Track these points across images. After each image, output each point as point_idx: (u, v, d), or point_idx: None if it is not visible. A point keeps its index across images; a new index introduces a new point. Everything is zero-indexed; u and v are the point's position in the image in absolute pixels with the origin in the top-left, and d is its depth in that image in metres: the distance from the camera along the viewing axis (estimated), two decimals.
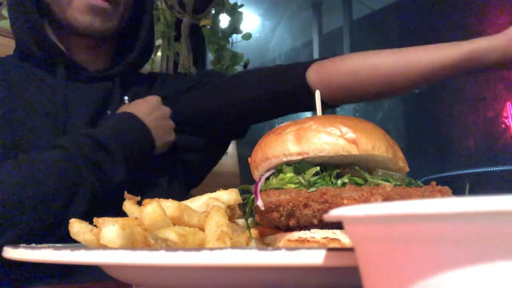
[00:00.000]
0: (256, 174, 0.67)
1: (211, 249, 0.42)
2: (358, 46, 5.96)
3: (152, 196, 0.65)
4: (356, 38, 5.97)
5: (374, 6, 5.88)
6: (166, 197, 0.65)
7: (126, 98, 1.31)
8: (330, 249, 0.41)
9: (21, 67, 1.23)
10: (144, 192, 1.17)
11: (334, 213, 0.30)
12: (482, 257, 0.23)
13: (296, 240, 0.56)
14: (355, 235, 0.31)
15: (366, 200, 0.55)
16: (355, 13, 6.04)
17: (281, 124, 0.65)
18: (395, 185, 0.58)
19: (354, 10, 6.02)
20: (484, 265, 0.23)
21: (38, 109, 1.16)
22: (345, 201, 0.55)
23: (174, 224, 0.60)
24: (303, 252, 0.40)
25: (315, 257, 0.40)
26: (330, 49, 6.18)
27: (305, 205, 0.56)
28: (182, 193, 1.35)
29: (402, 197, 0.55)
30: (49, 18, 1.25)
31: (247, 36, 2.78)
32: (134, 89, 1.35)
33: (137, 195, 0.69)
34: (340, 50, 5.95)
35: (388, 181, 0.60)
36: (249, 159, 0.68)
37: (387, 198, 0.55)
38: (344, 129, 0.59)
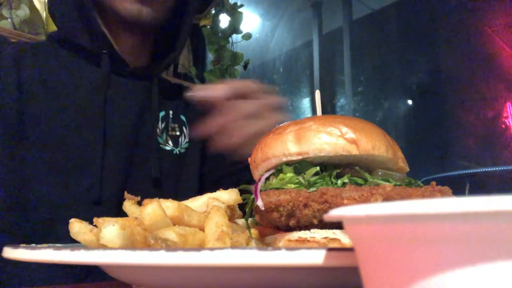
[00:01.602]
0: (256, 174, 0.67)
1: (211, 249, 0.42)
2: (358, 46, 5.96)
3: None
4: (356, 38, 5.96)
5: (374, 6, 5.88)
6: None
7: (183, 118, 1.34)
8: (330, 249, 0.40)
9: (58, 54, 1.20)
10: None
11: (334, 213, 0.30)
12: (482, 257, 0.23)
13: (296, 240, 0.56)
14: (355, 235, 0.31)
15: (366, 200, 0.55)
16: (355, 13, 6.04)
17: (281, 124, 0.65)
18: (395, 185, 0.58)
19: (354, 10, 6.02)
20: (484, 265, 0.23)
21: (74, 104, 1.13)
22: (345, 201, 0.55)
23: (174, 224, 0.60)
24: (303, 252, 0.40)
25: (315, 257, 0.40)
26: (330, 49, 6.18)
27: (305, 205, 0.56)
28: None
29: (402, 197, 0.55)
30: (97, 8, 1.21)
31: (247, 36, 2.78)
32: (173, 98, 1.35)
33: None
34: (340, 50, 5.95)
35: (388, 181, 0.59)
36: (249, 159, 0.68)
37: (387, 198, 0.55)
38: (344, 129, 0.59)
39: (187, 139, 1.33)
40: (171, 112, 1.31)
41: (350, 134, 0.59)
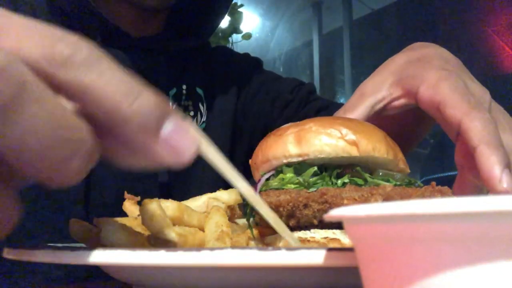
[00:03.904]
0: (256, 176, 0.67)
1: (211, 249, 0.42)
2: (358, 46, 5.96)
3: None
4: (356, 38, 5.96)
5: (374, 6, 5.88)
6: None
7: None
8: (330, 249, 0.40)
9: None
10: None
11: (334, 213, 0.30)
12: (482, 257, 0.23)
13: None
14: (355, 235, 0.31)
15: (366, 200, 0.55)
16: (355, 13, 6.03)
17: (282, 126, 0.65)
18: (395, 185, 0.58)
19: (354, 10, 6.02)
20: (484, 265, 0.23)
21: None
22: (345, 201, 0.55)
23: (174, 224, 0.60)
24: (303, 252, 0.40)
25: (315, 257, 0.40)
26: (330, 49, 6.18)
27: (305, 206, 0.56)
28: None
29: (402, 197, 0.55)
30: None
31: (247, 36, 2.79)
32: (190, 66, 1.04)
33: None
34: (340, 50, 5.94)
35: (388, 181, 0.60)
36: (250, 160, 0.68)
37: (387, 198, 0.55)
38: (345, 131, 0.59)
39: (204, 118, 1.04)
40: (184, 87, 1.03)
41: (350, 136, 0.59)
